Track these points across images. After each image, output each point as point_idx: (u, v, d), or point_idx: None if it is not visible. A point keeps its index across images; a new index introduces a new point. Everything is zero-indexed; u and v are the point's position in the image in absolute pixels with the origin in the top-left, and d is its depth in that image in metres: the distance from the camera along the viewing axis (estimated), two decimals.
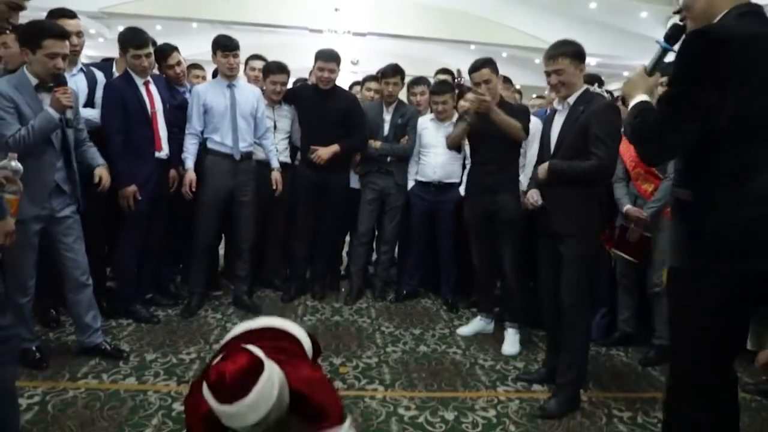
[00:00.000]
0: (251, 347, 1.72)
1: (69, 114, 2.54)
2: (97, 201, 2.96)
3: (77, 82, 3.08)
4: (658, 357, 3.09)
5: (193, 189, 3.36)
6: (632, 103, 1.69)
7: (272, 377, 1.67)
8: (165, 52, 3.53)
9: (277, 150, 3.73)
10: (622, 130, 2.41)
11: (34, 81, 2.50)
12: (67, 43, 2.51)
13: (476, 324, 3.46)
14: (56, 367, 2.65)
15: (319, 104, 3.72)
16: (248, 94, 3.55)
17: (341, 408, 1.90)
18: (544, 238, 2.66)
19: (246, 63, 4.10)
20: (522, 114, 3.13)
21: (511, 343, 3.19)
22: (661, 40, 1.75)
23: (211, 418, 1.75)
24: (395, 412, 2.42)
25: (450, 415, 2.41)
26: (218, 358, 1.74)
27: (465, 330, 3.46)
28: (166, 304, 3.54)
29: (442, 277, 4.02)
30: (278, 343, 2.01)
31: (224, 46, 3.40)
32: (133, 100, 3.11)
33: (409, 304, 3.96)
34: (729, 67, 1.44)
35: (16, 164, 1.96)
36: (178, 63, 3.57)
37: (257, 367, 1.64)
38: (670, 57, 1.72)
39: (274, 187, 3.62)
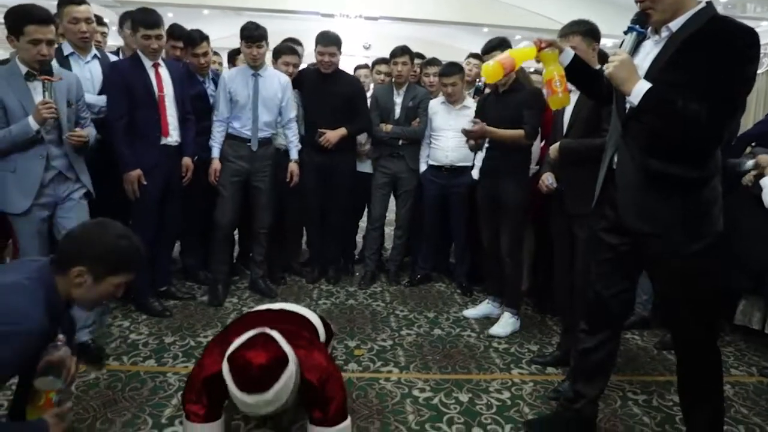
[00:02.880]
0: (277, 335, 1.74)
1: (49, 125, 2.45)
2: (109, 190, 2.95)
3: (91, 69, 3.07)
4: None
5: (218, 177, 3.37)
6: (637, 90, 1.66)
7: (292, 373, 1.70)
8: (194, 40, 3.49)
9: None
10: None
11: (23, 69, 2.44)
12: (52, 28, 2.41)
13: (484, 307, 3.47)
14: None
15: (322, 89, 3.71)
16: (274, 82, 3.50)
17: (345, 405, 1.93)
18: (558, 219, 2.66)
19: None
20: (533, 100, 3.08)
21: (501, 325, 3.18)
22: (636, 26, 1.76)
23: (212, 382, 1.79)
24: (410, 393, 2.44)
25: (464, 397, 2.43)
26: (244, 339, 1.77)
27: (472, 312, 3.47)
28: (181, 296, 3.50)
29: (455, 261, 4.03)
30: (296, 328, 2.04)
31: (247, 37, 3.36)
32: (138, 82, 3.03)
33: (423, 288, 3.97)
34: None
35: (65, 351, 1.70)
36: (205, 53, 3.52)
37: (282, 363, 1.66)
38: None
39: (289, 179, 3.61)
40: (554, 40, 2.03)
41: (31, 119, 2.40)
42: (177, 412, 2.15)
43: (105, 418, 2.14)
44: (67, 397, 1.78)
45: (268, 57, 3.60)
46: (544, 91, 2.20)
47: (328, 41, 3.65)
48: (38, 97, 2.42)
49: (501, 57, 2.05)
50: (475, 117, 3.24)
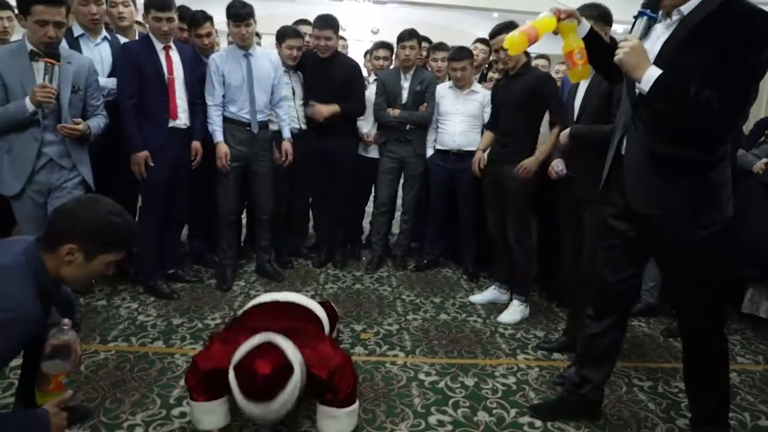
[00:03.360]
0: (282, 341, 1.75)
1: (47, 108, 2.42)
2: (113, 178, 2.96)
3: (101, 51, 3.07)
4: None
5: (229, 161, 3.32)
6: (647, 76, 1.64)
7: (297, 380, 1.71)
8: (197, 20, 3.44)
9: (298, 117, 3.73)
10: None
11: (30, 48, 2.41)
12: (62, 10, 2.37)
13: (490, 293, 3.47)
14: (87, 330, 2.73)
15: (320, 72, 3.68)
16: (265, 62, 3.45)
17: (355, 389, 1.95)
18: (566, 205, 2.65)
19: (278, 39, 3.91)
20: (544, 85, 3.05)
21: (510, 313, 3.18)
22: (647, 10, 1.73)
23: (214, 375, 1.81)
24: (416, 377, 2.46)
25: (470, 381, 2.44)
26: (248, 343, 1.78)
27: (478, 298, 3.47)
28: (189, 279, 3.49)
29: (462, 246, 4.02)
30: (302, 324, 2.05)
31: (234, 15, 3.27)
32: (149, 63, 3.02)
33: (429, 273, 3.98)
34: None
35: (71, 335, 1.70)
36: (209, 34, 3.48)
37: (287, 372, 1.68)
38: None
39: (284, 158, 3.57)
40: (573, 10, 1.97)
41: (27, 100, 2.38)
42: (185, 392, 2.17)
43: (114, 397, 2.17)
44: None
45: (271, 41, 3.57)
46: (564, 64, 2.13)
47: (323, 25, 3.59)
48: (40, 79, 2.39)
49: (524, 27, 1.98)
50: (491, 103, 3.30)
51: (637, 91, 1.76)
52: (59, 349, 1.66)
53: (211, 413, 1.91)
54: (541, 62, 4.53)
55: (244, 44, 3.34)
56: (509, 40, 1.98)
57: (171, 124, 3.14)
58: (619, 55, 1.69)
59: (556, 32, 1.98)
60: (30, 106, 2.37)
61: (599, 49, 1.99)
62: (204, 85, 3.35)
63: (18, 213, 2.55)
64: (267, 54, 3.54)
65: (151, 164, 3.06)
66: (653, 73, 1.64)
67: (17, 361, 1.82)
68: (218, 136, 3.34)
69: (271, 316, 2.11)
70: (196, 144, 3.29)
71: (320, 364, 1.85)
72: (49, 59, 2.38)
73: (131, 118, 2.99)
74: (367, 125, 3.98)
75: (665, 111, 1.68)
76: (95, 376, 2.32)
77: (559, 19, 1.94)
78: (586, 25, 1.98)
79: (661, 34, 1.75)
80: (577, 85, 2.56)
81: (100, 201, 1.58)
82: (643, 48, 1.69)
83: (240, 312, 2.32)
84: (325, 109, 3.63)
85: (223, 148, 3.32)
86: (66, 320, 1.71)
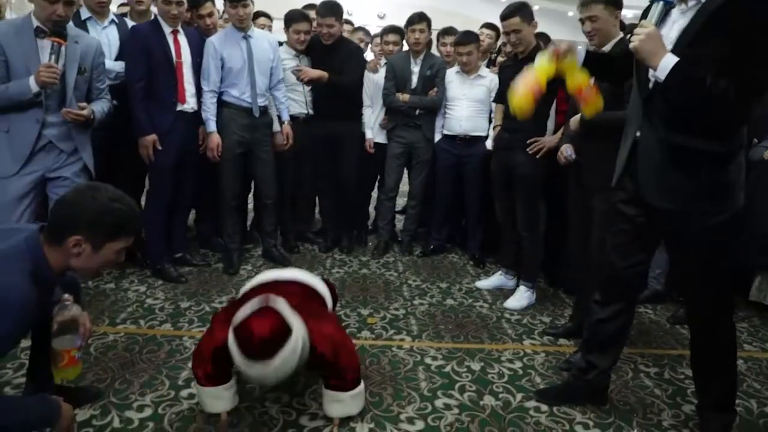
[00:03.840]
0: (282, 305, 1.75)
1: (51, 89, 2.35)
2: (121, 161, 2.97)
3: (108, 35, 3.06)
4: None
5: (219, 152, 3.28)
6: (663, 64, 1.61)
7: (297, 342, 1.71)
8: (197, 1, 3.38)
9: (306, 102, 3.72)
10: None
11: (35, 24, 2.34)
12: None
13: (496, 279, 3.47)
14: (96, 312, 2.75)
15: (324, 58, 3.65)
16: (265, 44, 3.40)
17: (358, 372, 1.96)
18: (576, 191, 2.63)
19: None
20: None
21: (517, 298, 3.17)
22: None
23: (221, 352, 1.82)
24: (422, 361, 2.47)
25: (476, 366, 2.45)
26: (247, 306, 1.79)
27: (484, 283, 3.47)
28: (196, 263, 3.50)
29: (468, 232, 4.02)
30: (304, 300, 2.05)
31: None
32: (157, 47, 3.01)
33: (435, 258, 3.98)
34: None
35: (76, 308, 1.72)
36: (210, 14, 3.43)
37: (285, 333, 1.67)
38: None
39: (284, 142, 3.54)
40: (569, 44, 1.95)
41: (31, 80, 2.29)
42: (193, 374, 2.19)
43: (123, 378, 2.19)
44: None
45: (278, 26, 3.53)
46: (574, 98, 2.12)
47: (325, 12, 3.55)
48: (45, 58, 2.32)
49: (526, 83, 1.93)
50: (498, 87, 3.29)
51: (651, 80, 1.73)
52: (67, 325, 1.67)
53: (218, 398, 1.92)
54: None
55: (242, 26, 3.28)
56: (516, 106, 1.95)
57: (179, 108, 3.13)
58: (635, 42, 1.65)
59: (558, 75, 1.95)
60: (34, 86, 2.29)
61: (598, 64, 1.98)
62: None
63: (4, 194, 2.39)
64: (266, 36, 3.52)
65: (159, 148, 3.05)
66: (670, 60, 1.60)
67: (28, 342, 1.84)
68: (211, 125, 3.26)
69: (273, 291, 2.10)
70: (203, 128, 3.29)
71: (324, 341, 1.85)
72: (56, 38, 2.30)
73: (140, 101, 2.99)
74: (374, 111, 3.96)
75: (681, 100, 1.65)
76: (104, 357, 2.35)
77: (557, 58, 1.91)
78: (581, 51, 1.96)
79: (677, 19, 1.71)
80: None
81: (100, 188, 1.55)
82: (660, 35, 1.66)
83: (240, 293, 2.28)
84: (312, 72, 3.59)
85: (215, 139, 3.26)
86: (66, 295, 1.71)
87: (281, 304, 1.76)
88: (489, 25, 4.24)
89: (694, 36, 1.63)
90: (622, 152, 1.92)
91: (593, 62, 2.00)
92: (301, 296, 2.08)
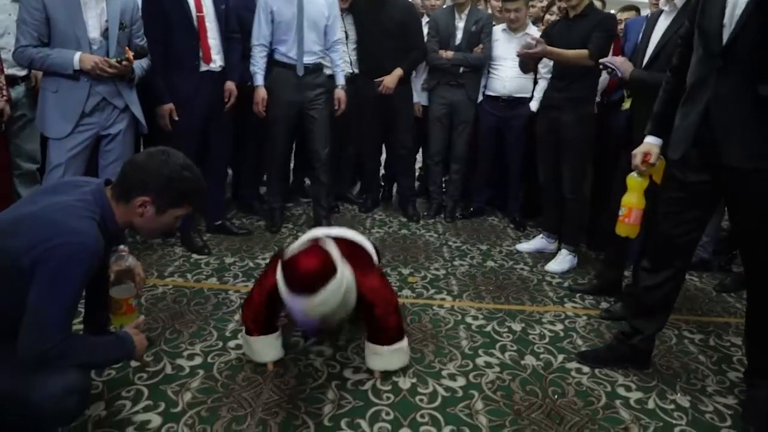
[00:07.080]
0: (331, 247, 1.77)
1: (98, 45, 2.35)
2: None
3: None
4: (735, 284, 3.00)
5: (265, 107, 3.21)
6: None
7: (341, 282, 1.73)
8: None
9: (351, 61, 3.65)
10: None
11: None
12: None
13: (537, 242, 3.43)
14: (145, 265, 2.80)
15: (373, 14, 3.54)
16: (320, 0, 3.24)
17: (402, 326, 1.99)
18: (625, 157, 2.55)
19: None
20: (606, 24, 2.89)
21: (558, 262, 3.14)
22: None
23: (271, 295, 1.86)
24: (463, 320, 2.48)
25: (517, 327, 2.45)
26: (297, 244, 1.82)
27: (525, 246, 3.44)
28: (237, 232, 3.36)
29: (510, 194, 3.97)
30: (353, 254, 2.07)
31: None
32: (173, 3, 2.77)
33: (475, 221, 3.96)
34: None
35: (132, 259, 1.80)
36: None
37: (329, 271, 1.69)
38: None
39: (337, 107, 3.43)
40: (648, 151, 2.00)
41: (77, 58, 2.29)
42: (239, 326, 2.26)
43: (173, 329, 2.27)
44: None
45: None
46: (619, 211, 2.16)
47: None
48: (90, 13, 2.33)
49: (632, 212, 2.05)
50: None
51: (725, 35, 1.65)
52: (123, 274, 1.75)
53: (267, 346, 1.99)
54: (625, 15, 4.34)
55: None
56: (627, 234, 2.10)
57: (204, 68, 2.92)
58: None
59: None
60: (77, 64, 2.30)
61: (666, 127, 1.97)
62: (245, 13, 3.18)
63: (59, 151, 2.41)
64: None
65: (176, 118, 2.86)
66: None
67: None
68: (259, 79, 3.18)
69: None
70: (229, 85, 3.05)
71: (370, 291, 1.89)
72: (130, 56, 2.37)
73: (158, 67, 2.76)
74: (416, 72, 3.87)
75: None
76: (155, 308, 2.43)
77: (647, 167, 2.00)
78: (655, 148, 2.00)
79: None
80: (653, 27, 2.40)
81: (172, 155, 1.56)
82: None
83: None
84: (390, 81, 3.53)
85: (261, 92, 3.18)
86: (122, 246, 1.80)
87: (331, 246, 1.79)
88: None
89: None
90: (689, 119, 1.82)
91: (663, 128, 1.98)
92: (350, 250, 2.10)
